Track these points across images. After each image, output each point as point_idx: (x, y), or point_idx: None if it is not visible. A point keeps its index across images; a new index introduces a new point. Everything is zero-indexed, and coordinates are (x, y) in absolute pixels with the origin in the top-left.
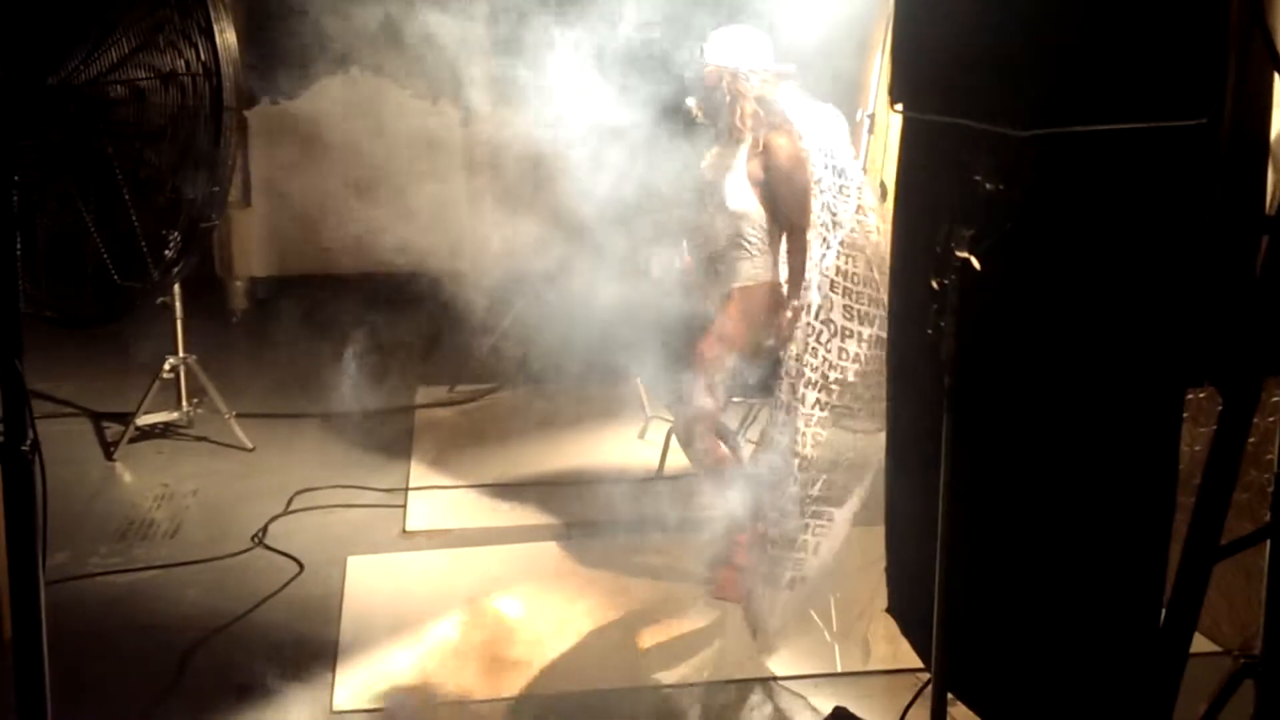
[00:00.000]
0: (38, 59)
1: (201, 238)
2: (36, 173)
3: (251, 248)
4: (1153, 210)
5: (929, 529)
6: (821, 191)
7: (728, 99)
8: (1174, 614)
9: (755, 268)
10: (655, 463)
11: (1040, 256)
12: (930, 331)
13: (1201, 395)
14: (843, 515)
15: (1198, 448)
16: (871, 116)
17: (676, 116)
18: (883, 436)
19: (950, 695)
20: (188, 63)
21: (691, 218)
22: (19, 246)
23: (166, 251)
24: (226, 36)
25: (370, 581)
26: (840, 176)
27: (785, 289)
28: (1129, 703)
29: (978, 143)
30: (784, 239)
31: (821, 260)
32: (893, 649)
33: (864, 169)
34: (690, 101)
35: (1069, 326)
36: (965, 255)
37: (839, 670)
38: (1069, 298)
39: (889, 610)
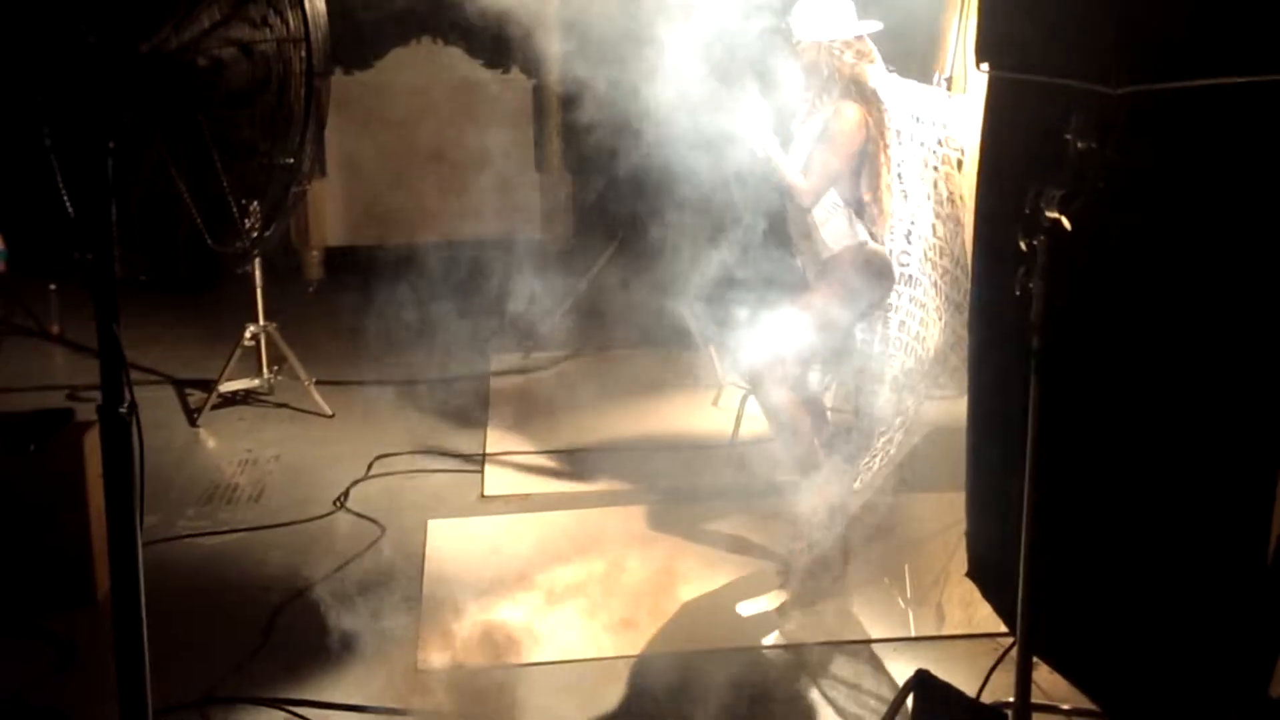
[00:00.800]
0: (130, 27)
1: (291, 203)
2: (131, 140)
3: (327, 217)
4: (1254, 171)
5: (1011, 493)
6: (901, 160)
7: (821, 71)
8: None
9: (841, 233)
10: (729, 429)
11: (1133, 217)
12: (1019, 293)
13: None
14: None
15: None
16: (949, 80)
17: (755, 81)
18: (962, 403)
19: (1035, 659)
20: (277, 29)
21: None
22: (114, 213)
23: (256, 217)
24: (316, 3)
25: (450, 544)
26: (932, 147)
27: (871, 251)
28: (1226, 665)
29: (1068, 101)
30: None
31: (908, 226)
32: (968, 614)
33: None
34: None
35: (1162, 289)
36: (1055, 215)
37: (930, 634)
38: (1163, 260)
39: (969, 574)
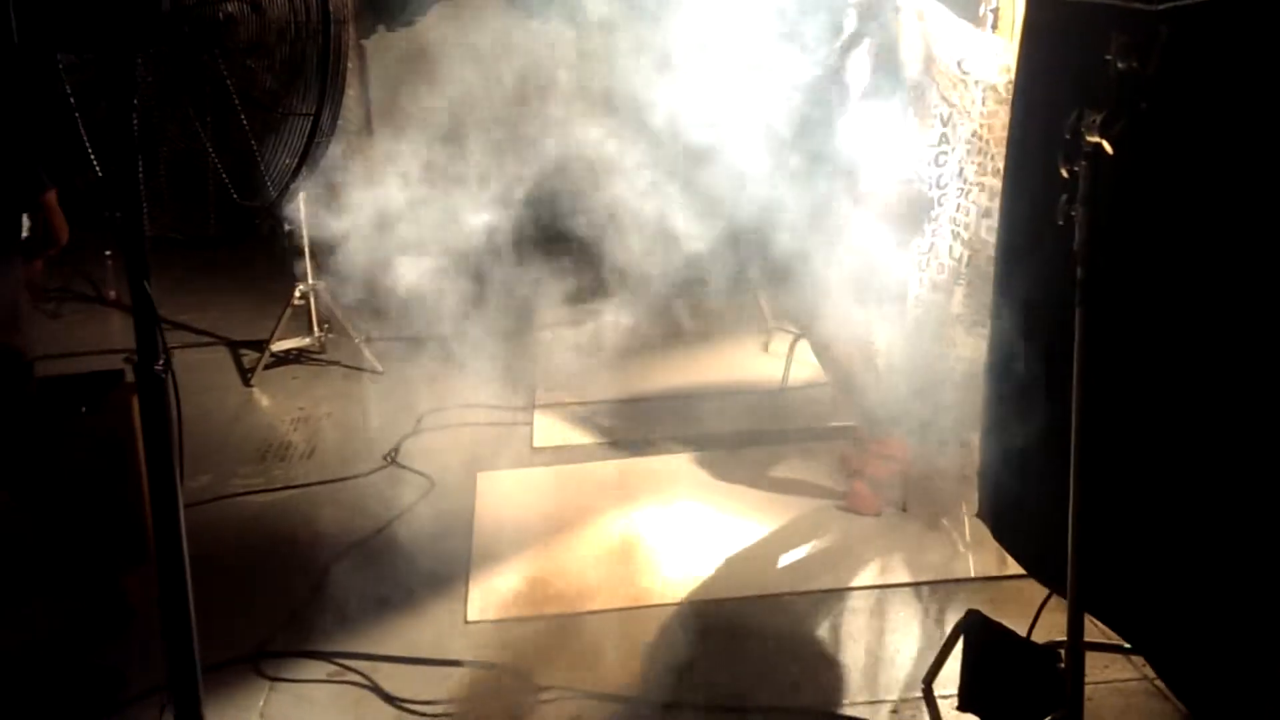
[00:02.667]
0: None
1: (316, 155)
2: (155, 97)
3: (376, 175)
4: None
5: (1027, 430)
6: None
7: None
8: None
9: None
10: (780, 375)
11: (1178, 140)
12: (1060, 222)
13: None
14: None
15: None
16: (995, 10)
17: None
18: None
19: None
20: None
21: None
22: (141, 171)
23: (282, 169)
24: None
25: (500, 496)
26: (964, 73)
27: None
28: (1266, 610)
29: (1108, 20)
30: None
31: (947, 158)
32: None
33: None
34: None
35: (1209, 212)
36: (1097, 139)
37: (977, 574)
38: (1210, 182)
39: (979, 515)
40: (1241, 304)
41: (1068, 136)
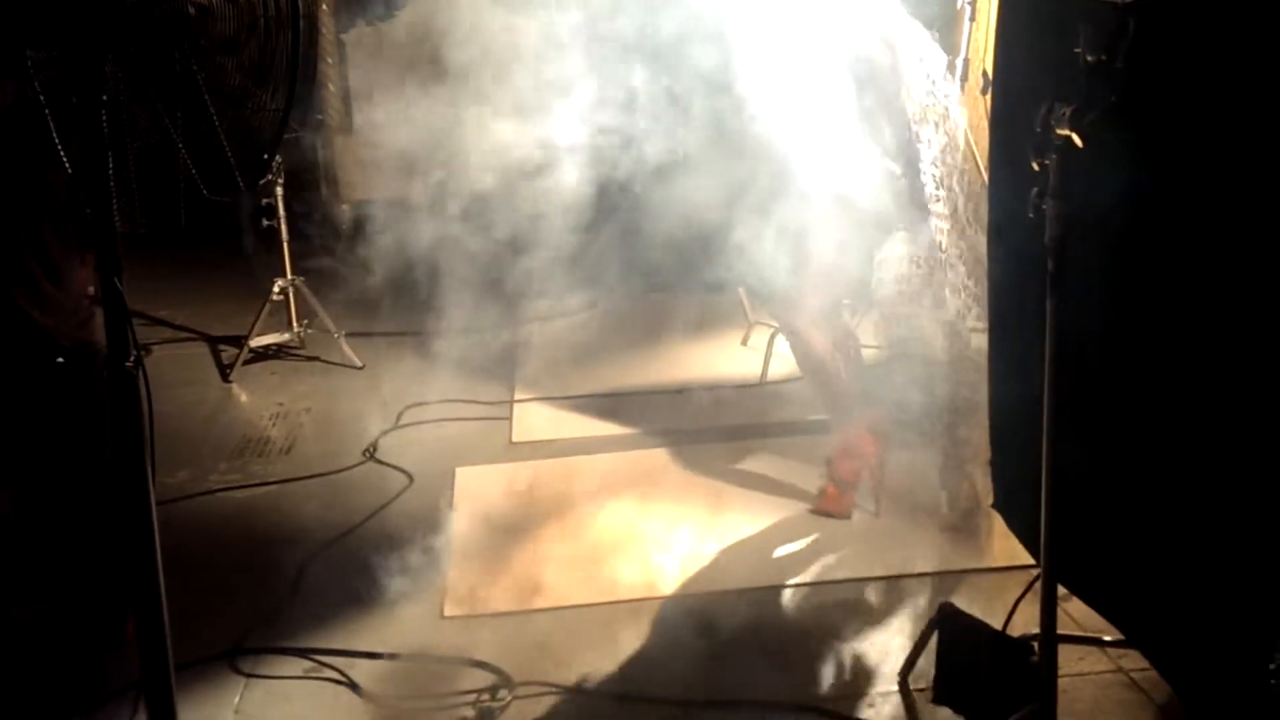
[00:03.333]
0: None
1: (286, 148)
2: (124, 92)
3: (355, 171)
4: (1263, 75)
5: (1033, 421)
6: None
7: None
8: None
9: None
10: (759, 369)
11: (1147, 131)
12: (1031, 215)
13: None
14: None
15: None
16: (972, 3)
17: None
18: None
19: (1066, 591)
20: None
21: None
22: (111, 166)
23: (252, 163)
24: None
25: (478, 491)
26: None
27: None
28: (1249, 595)
29: (1077, 13)
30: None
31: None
32: (1009, 545)
33: (967, 58)
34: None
35: (1178, 202)
36: (1066, 132)
37: (952, 568)
38: (1178, 172)
39: (994, 506)
40: (1216, 293)
41: (1038, 130)
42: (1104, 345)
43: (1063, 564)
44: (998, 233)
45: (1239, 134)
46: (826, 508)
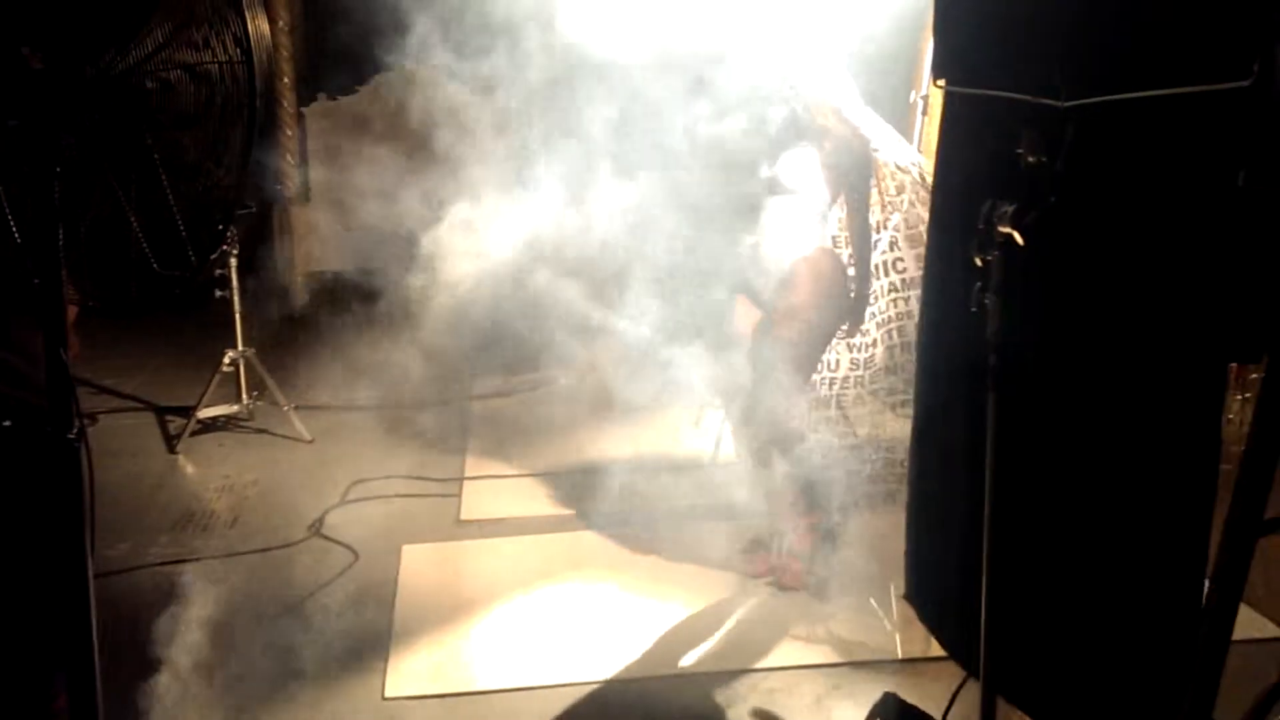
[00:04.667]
0: (74, 51)
1: (238, 224)
2: (78, 165)
3: (311, 243)
4: (1197, 177)
5: (948, 512)
6: (881, 179)
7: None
8: (1217, 591)
9: (814, 238)
10: (710, 450)
11: (1085, 229)
12: (973, 310)
13: (1259, 373)
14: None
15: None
16: (925, 98)
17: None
18: None
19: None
20: (222, 51)
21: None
22: (62, 238)
23: (204, 239)
24: (259, 24)
25: (424, 570)
26: (894, 166)
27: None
28: (1171, 685)
29: (1019, 115)
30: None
31: (877, 246)
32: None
33: (919, 150)
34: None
35: (1113, 300)
36: (1008, 230)
37: (896, 656)
38: (1114, 270)
39: (905, 596)
40: (1146, 396)
41: (981, 226)
42: (1033, 443)
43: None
44: (927, 326)
45: (1172, 240)
46: (787, 582)
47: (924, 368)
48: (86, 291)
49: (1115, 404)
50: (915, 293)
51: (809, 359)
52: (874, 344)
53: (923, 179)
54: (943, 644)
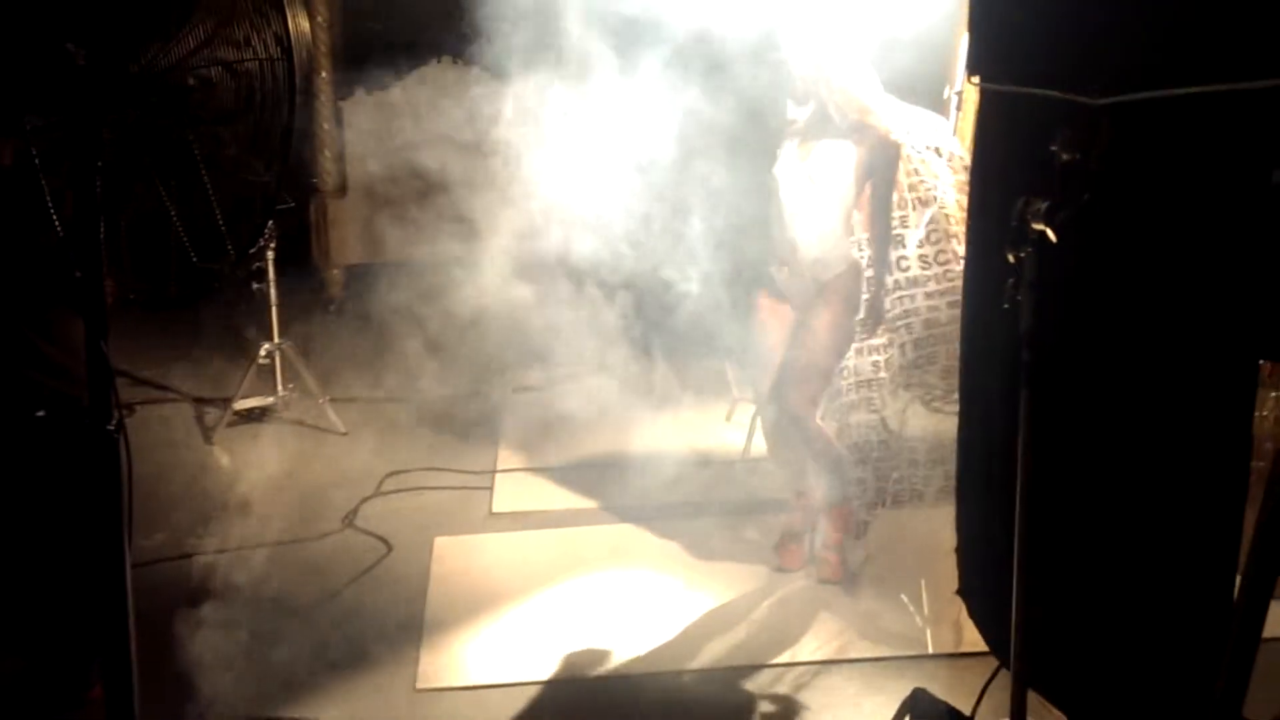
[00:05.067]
0: (119, 47)
1: (278, 219)
2: (120, 159)
3: (348, 235)
4: (1231, 176)
5: (998, 508)
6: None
7: (826, 98)
8: (1247, 587)
9: (847, 253)
10: (741, 445)
11: (1118, 227)
12: (1006, 306)
13: None
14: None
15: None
16: (959, 94)
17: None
18: None
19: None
20: (262, 49)
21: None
22: (103, 231)
23: (243, 233)
24: (299, 22)
25: (456, 562)
26: (926, 152)
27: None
28: (1202, 682)
29: (1054, 113)
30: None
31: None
32: None
33: None
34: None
35: (1146, 297)
36: (1042, 227)
37: (927, 653)
38: (1146, 268)
39: (958, 592)
40: (1178, 392)
41: (1014, 224)
42: (1072, 437)
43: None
44: (970, 324)
45: (1204, 239)
46: (825, 574)
47: (966, 363)
48: (126, 284)
49: (1148, 400)
50: (921, 290)
51: (830, 370)
52: (888, 345)
53: (952, 164)
54: (988, 643)
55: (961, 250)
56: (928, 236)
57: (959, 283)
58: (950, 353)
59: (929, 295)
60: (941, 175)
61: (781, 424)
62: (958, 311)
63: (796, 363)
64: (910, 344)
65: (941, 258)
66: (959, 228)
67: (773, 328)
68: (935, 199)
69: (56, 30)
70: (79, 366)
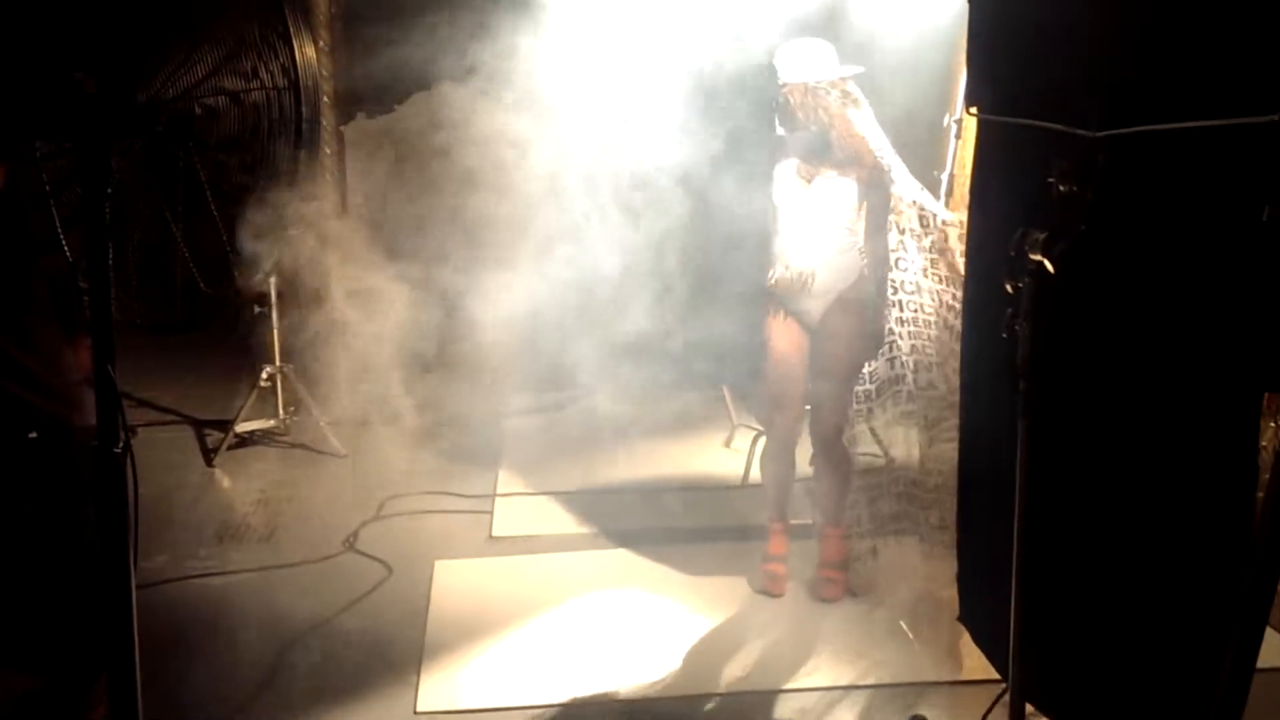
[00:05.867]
0: (126, 76)
1: (284, 246)
2: (128, 186)
3: (349, 258)
4: (1228, 209)
5: (1000, 535)
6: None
7: (822, 117)
8: (1242, 616)
9: (857, 264)
10: (740, 471)
11: (1115, 258)
12: (1005, 336)
13: None
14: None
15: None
16: (959, 122)
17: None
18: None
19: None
20: (269, 80)
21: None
22: (111, 257)
23: (249, 258)
24: (306, 50)
25: (456, 586)
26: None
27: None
28: (1200, 708)
29: (1051, 144)
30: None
31: (909, 265)
32: (983, 659)
33: (952, 173)
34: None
35: (1144, 329)
36: (1039, 258)
37: (926, 680)
38: (1144, 300)
39: (959, 619)
40: (1181, 424)
41: (1012, 254)
42: (1072, 464)
43: (1030, 681)
44: (970, 353)
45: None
46: (828, 594)
47: (967, 391)
48: (133, 310)
49: (1151, 433)
50: (911, 312)
51: (854, 387)
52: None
53: (923, 217)
54: (996, 668)
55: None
56: (926, 262)
57: (953, 309)
58: (945, 379)
59: (919, 319)
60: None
61: (815, 451)
62: (947, 337)
63: (827, 390)
64: (893, 361)
65: (937, 282)
66: (958, 250)
67: (784, 345)
68: (933, 226)
69: (65, 59)
70: (51, 376)
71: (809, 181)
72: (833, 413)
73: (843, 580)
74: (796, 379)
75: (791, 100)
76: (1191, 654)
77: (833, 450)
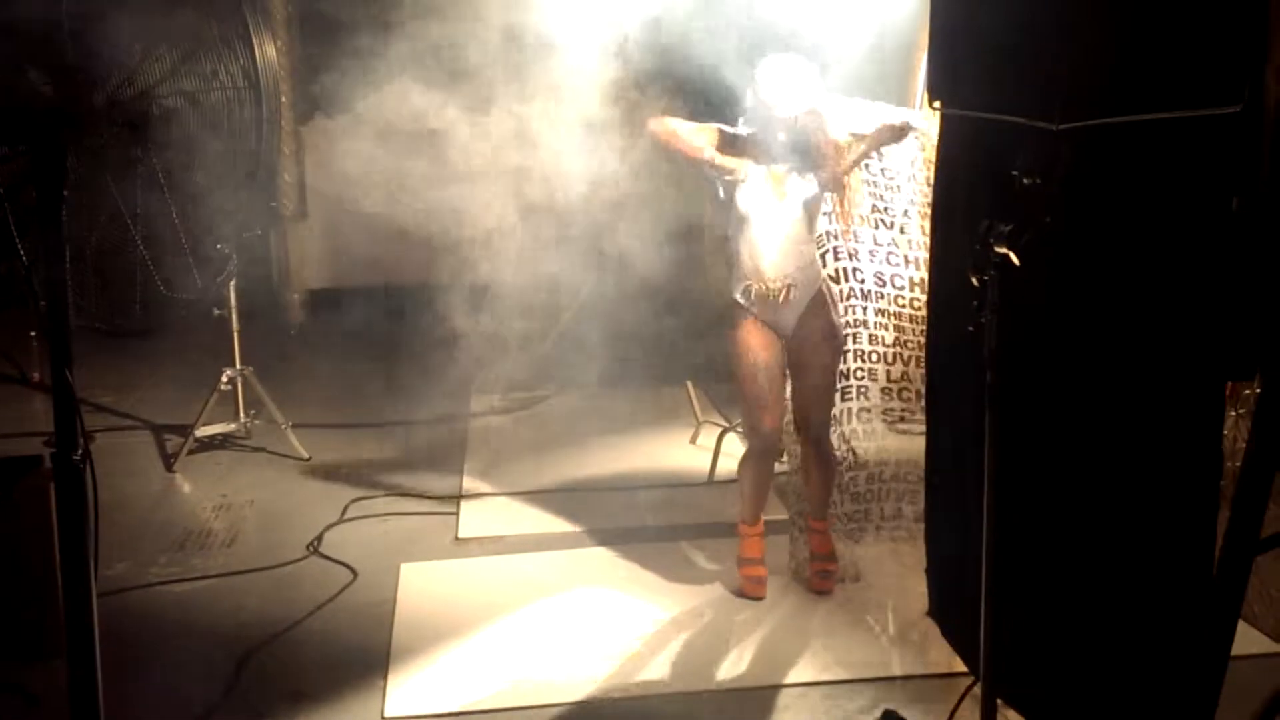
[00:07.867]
0: (84, 79)
1: (245, 248)
2: (86, 189)
3: (308, 260)
4: (1191, 200)
5: (967, 529)
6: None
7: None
8: (1215, 607)
9: (819, 269)
10: (706, 467)
11: (1079, 250)
12: (971, 328)
13: (1253, 390)
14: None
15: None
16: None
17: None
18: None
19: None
20: (230, 77)
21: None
22: (69, 260)
23: (211, 262)
24: (266, 50)
25: (423, 589)
26: (890, 179)
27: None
28: (1174, 699)
29: (1014, 138)
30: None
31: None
32: (950, 652)
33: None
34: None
35: (1109, 320)
36: (1004, 250)
37: (895, 674)
38: (1109, 291)
39: (929, 613)
40: (1146, 414)
41: (977, 247)
42: (1039, 456)
43: (1000, 675)
44: (935, 345)
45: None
46: (818, 585)
47: (933, 385)
48: (92, 314)
49: (1116, 423)
50: (873, 305)
51: (834, 389)
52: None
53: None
54: (966, 663)
55: (918, 274)
56: (886, 258)
57: (911, 310)
58: (892, 374)
59: (879, 313)
60: (903, 188)
61: (805, 449)
62: (904, 336)
63: (813, 391)
64: (854, 354)
65: (897, 281)
66: (920, 252)
67: (761, 352)
68: (895, 224)
69: (22, 61)
70: None
71: (784, 193)
72: (821, 410)
73: (837, 570)
74: (777, 381)
75: (782, 124)
76: (1158, 643)
77: (822, 446)
